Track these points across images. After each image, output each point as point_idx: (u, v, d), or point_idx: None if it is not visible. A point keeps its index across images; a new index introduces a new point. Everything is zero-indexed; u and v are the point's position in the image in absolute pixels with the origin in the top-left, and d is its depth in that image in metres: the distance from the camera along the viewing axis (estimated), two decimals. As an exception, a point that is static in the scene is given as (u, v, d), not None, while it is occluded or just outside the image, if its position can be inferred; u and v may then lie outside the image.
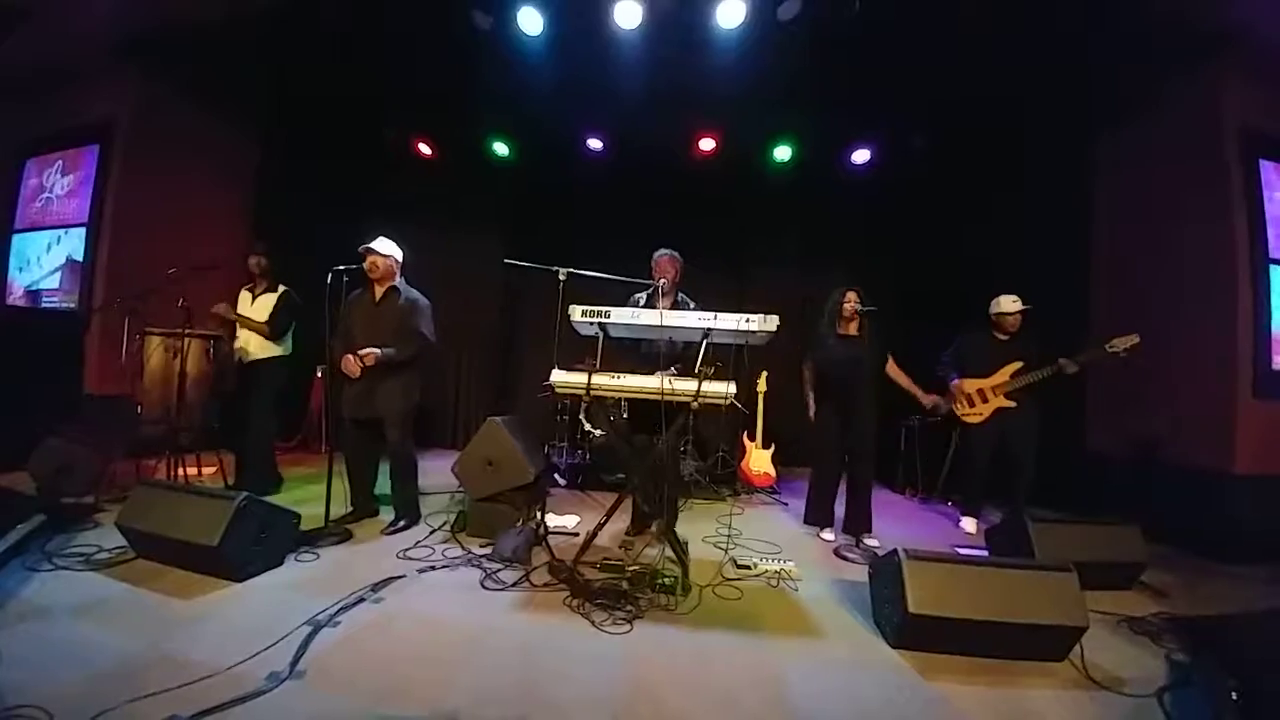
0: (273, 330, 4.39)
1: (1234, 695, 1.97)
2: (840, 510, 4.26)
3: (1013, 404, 4.34)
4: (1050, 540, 3.20)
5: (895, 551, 2.56)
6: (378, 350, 3.63)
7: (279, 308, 4.43)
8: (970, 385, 4.47)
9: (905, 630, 2.45)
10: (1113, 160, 5.31)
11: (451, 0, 4.59)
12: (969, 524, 4.54)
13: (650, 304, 3.88)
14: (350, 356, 3.64)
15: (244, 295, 4.56)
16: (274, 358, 4.47)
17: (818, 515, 4.28)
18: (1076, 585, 2.45)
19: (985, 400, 4.42)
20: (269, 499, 3.44)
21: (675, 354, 3.66)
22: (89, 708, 1.75)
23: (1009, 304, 4.38)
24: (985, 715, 2.08)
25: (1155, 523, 3.77)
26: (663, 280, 3.79)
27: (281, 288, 4.50)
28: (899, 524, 4.74)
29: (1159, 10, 4.12)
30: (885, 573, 2.67)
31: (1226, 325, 4.28)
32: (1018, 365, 4.34)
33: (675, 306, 3.87)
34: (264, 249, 4.56)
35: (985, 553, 3.58)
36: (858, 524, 4.07)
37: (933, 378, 4.59)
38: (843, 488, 4.21)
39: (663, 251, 3.97)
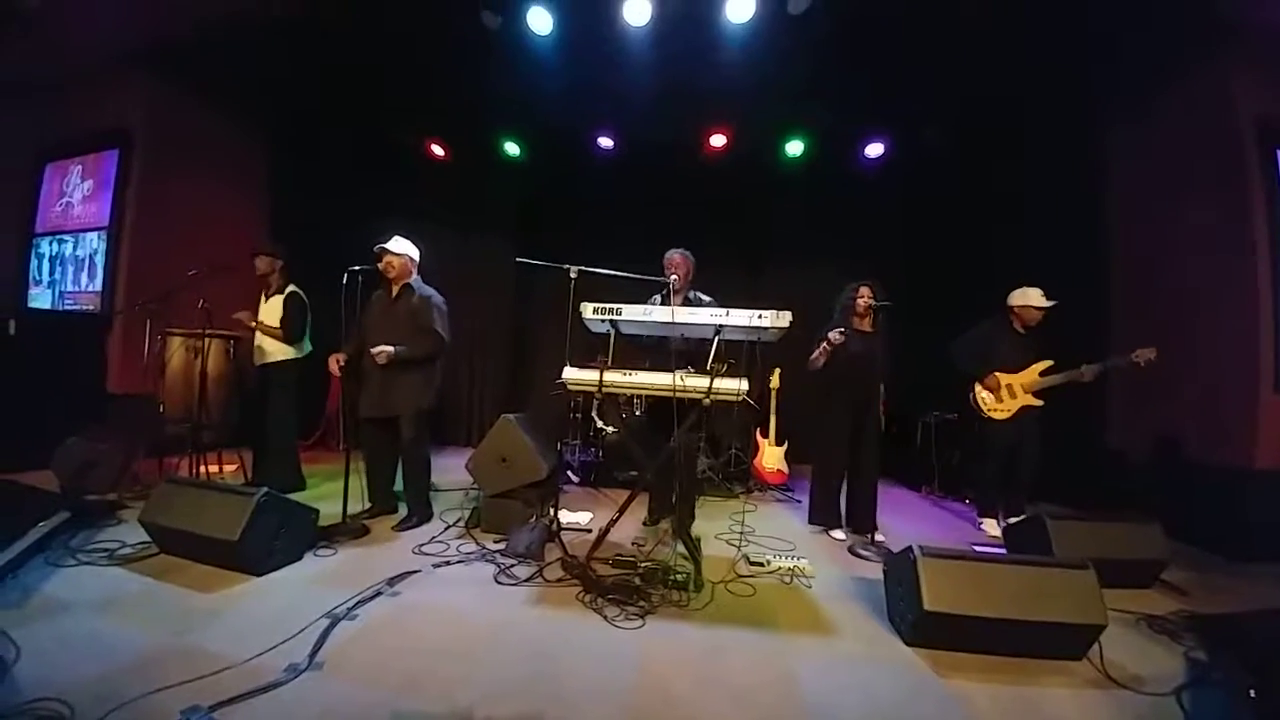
0: (288, 334, 4.39)
1: (1252, 693, 1.95)
2: (844, 506, 4.23)
3: (1039, 403, 4.28)
4: (1069, 537, 3.16)
5: (910, 548, 2.55)
6: (389, 348, 3.66)
7: (287, 310, 4.41)
8: (1001, 379, 4.37)
9: (920, 627, 2.44)
10: (1128, 151, 5.23)
11: (460, 1, 4.61)
12: (990, 525, 4.43)
13: (664, 303, 3.88)
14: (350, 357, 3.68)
15: (262, 298, 4.56)
16: (288, 360, 4.47)
17: (825, 514, 4.22)
18: (1095, 583, 2.42)
19: (1014, 397, 4.34)
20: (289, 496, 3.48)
21: (688, 351, 3.66)
22: (110, 700, 1.78)
23: (1037, 298, 4.28)
24: (1001, 713, 2.06)
25: (1176, 520, 3.72)
26: (674, 277, 3.79)
27: (290, 288, 4.49)
28: (915, 521, 4.72)
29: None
30: (900, 570, 2.65)
31: (1247, 318, 4.20)
32: (1047, 364, 4.27)
33: (687, 303, 3.87)
34: (269, 249, 4.52)
35: (1003, 550, 3.55)
36: (865, 521, 4.04)
37: (947, 371, 4.55)
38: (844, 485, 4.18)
39: (674, 249, 3.97)
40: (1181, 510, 4.09)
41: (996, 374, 4.37)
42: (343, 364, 3.83)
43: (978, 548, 3.66)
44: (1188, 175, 4.67)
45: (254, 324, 4.40)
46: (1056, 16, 4.27)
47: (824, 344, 3.92)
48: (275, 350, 4.44)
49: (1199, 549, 4.01)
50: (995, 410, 4.40)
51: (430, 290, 3.97)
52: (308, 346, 4.60)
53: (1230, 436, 4.25)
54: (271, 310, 4.46)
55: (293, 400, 4.52)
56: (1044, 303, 4.28)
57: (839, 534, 4.14)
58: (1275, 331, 4.16)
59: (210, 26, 4.96)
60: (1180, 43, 4.37)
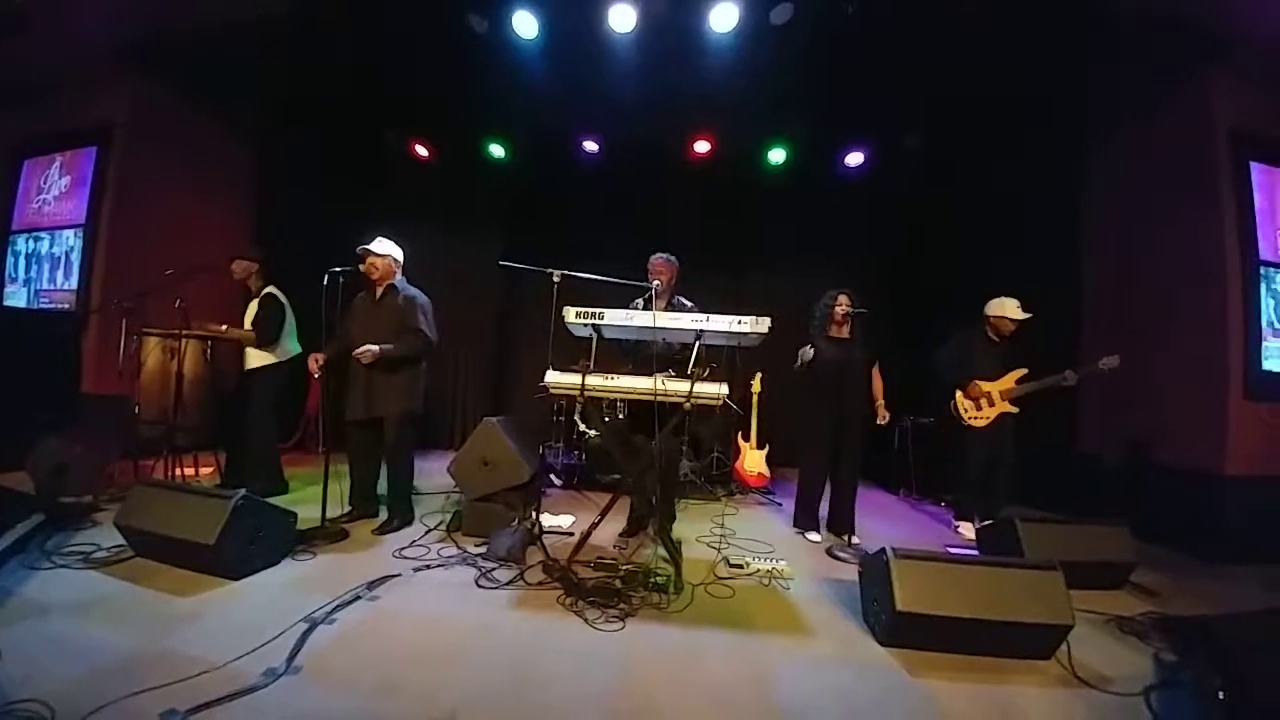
0: (260, 338, 4.32)
1: (1220, 694, 2.00)
2: (824, 510, 4.28)
3: (1015, 410, 4.36)
4: (1040, 540, 3.23)
5: (884, 550, 2.59)
6: (374, 347, 3.64)
7: (259, 313, 4.35)
8: (981, 387, 4.43)
9: (893, 628, 2.48)
10: (1107, 161, 5.34)
11: (447, 3, 4.62)
12: (967, 529, 4.48)
13: (647, 307, 3.90)
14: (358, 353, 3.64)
15: (250, 305, 4.49)
16: (270, 365, 4.38)
17: (807, 518, 4.28)
18: (1062, 584, 2.47)
19: (992, 404, 4.41)
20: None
21: (670, 356, 3.70)
22: (88, 702, 1.77)
23: (1014, 310, 4.35)
24: (972, 712, 2.10)
25: (1146, 523, 3.81)
26: (656, 282, 3.82)
27: (266, 290, 4.41)
28: (892, 524, 4.77)
29: (1152, 13, 4.14)
30: (874, 571, 2.70)
31: (1218, 327, 4.30)
32: (1023, 372, 4.35)
33: (670, 308, 3.89)
34: (247, 254, 4.43)
35: (975, 552, 3.61)
36: (842, 524, 4.09)
37: (928, 379, 4.61)
38: (827, 489, 4.24)
39: (658, 254, 4.00)
40: (1153, 514, 4.20)
41: (977, 382, 4.43)
42: (321, 364, 3.79)
43: (951, 549, 3.72)
44: (1165, 184, 4.77)
45: (222, 332, 4.34)
46: (1040, 27, 4.33)
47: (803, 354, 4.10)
48: (255, 358, 4.38)
49: (1170, 551, 4.10)
50: (976, 418, 4.46)
51: (414, 290, 3.96)
52: (294, 349, 4.53)
53: (1201, 442, 4.34)
54: (250, 313, 4.41)
55: (272, 404, 4.44)
56: (1020, 314, 4.35)
57: (815, 537, 4.19)
58: (1246, 339, 4.27)
59: (197, 24, 4.92)
60: (1163, 55, 4.45)
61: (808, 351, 4.09)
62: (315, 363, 3.80)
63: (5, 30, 4.70)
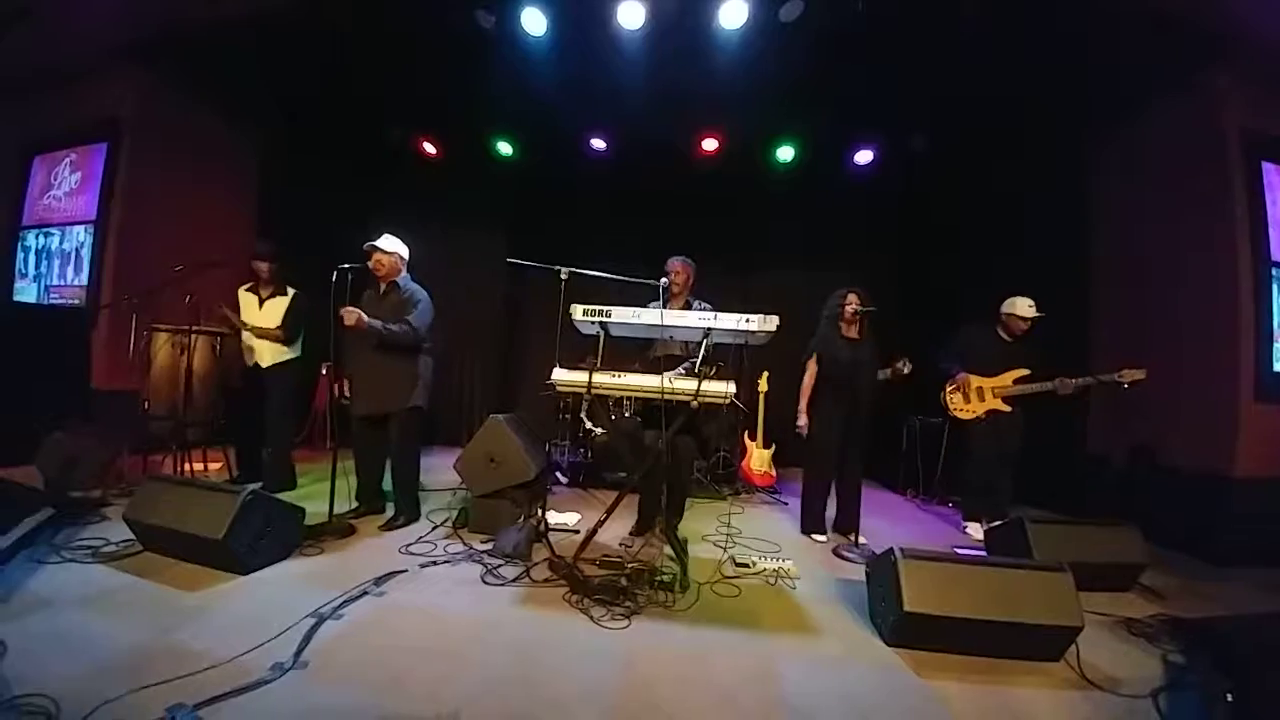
0: (288, 336, 4.37)
1: (1228, 697, 1.98)
2: (830, 510, 4.26)
3: (1007, 409, 4.34)
4: (1049, 541, 3.21)
5: (891, 550, 2.58)
6: (359, 312, 3.54)
7: (290, 312, 4.38)
8: (972, 381, 4.43)
9: (900, 628, 2.47)
10: (1115, 160, 5.29)
11: (455, 0, 4.61)
12: (974, 529, 4.44)
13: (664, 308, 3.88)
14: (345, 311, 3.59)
15: (247, 298, 4.46)
16: (287, 361, 4.44)
17: (815, 521, 4.24)
18: (1072, 585, 2.46)
19: (982, 399, 4.41)
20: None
21: (680, 356, 3.69)
22: (95, 696, 1.78)
23: (1024, 309, 4.33)
24: (979, 713, 2.09)
25: (1155, 525, 3.77)
26: (664, 280, 3.81)
27: (291, 290, 4.45)
28: (899, 525, 4.76)
29: (1161, 10, 4.11)
30: (881, 571, 2.68)
31: (1228, 328, 4.26)
32: (1023, 372, 4.33)
33: (686, 309, 3.88)
34: (269, 252, 4.43)
35: (984, 553, 3.59)
36: (848, 524, 4.07)
37: (932, 375, 4.60)
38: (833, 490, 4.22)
39: (675, 257, 4.00)
40: (1162, 516, 4.16)
41: (967, 375, 4.43)
42: (347, 392, 3.88)
43: (959, 550, 3.70)
44: (1174, 184, 4.72)
45: (248, 327, 4.35)
46: (1048, 25, 4.30)
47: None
48: (273, 354, 4.41)
49: (1179, 554, 4.08)
50: (960, 410, 4.47)
51: (417, 287, 3.96)
52: (299, 348, 4.56)
53: (1211, 444, 4.30)
54: (271, 312, 4.41)
55: (292, 401, 4.51)
56: (1029, 313, 4.33)
57: (821, 537, 4.18)
58: (1256, 341, 4.22)
59: (204, 20, 4.93)
60: (1172, 53, 4.40)
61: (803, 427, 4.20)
62: (341, 389, 3.88)
63: (6, 24, 4.72)
